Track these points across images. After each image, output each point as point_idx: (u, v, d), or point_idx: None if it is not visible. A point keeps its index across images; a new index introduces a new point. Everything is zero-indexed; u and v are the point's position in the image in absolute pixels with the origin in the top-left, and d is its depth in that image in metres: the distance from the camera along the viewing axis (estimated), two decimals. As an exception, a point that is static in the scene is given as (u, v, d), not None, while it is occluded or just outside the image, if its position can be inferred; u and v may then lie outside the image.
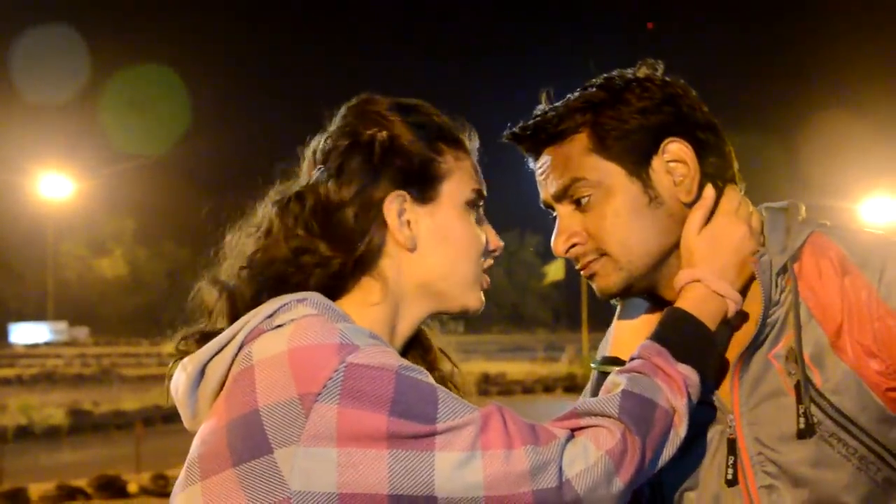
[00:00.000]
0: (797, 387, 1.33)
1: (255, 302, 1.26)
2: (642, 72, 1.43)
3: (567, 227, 1.41)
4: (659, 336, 1.31)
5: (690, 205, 1.40)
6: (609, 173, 1.38)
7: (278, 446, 1.12)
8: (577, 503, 1.14)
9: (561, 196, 1.42)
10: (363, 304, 1.30)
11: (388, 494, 1.11)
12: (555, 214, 1.45)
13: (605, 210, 1.38)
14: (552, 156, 1.42)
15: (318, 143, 1.36)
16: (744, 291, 1.38)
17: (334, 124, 1.36)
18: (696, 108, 1.42)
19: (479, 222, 1.38)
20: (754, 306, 1.38)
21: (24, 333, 50.61)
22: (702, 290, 1.34)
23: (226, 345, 1.22)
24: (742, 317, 1.39)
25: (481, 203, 1.39)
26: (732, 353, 1.39)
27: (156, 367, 30.26)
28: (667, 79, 1.42)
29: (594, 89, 1.41)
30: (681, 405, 1.24)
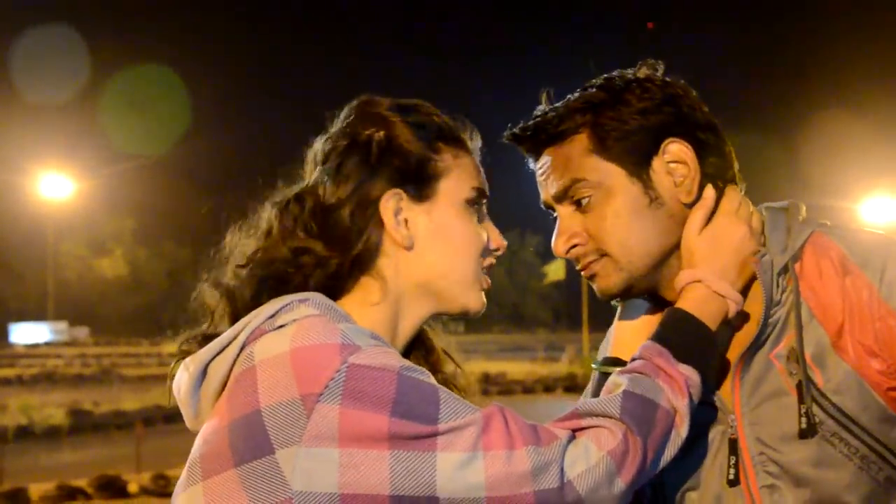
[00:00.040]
0: (799, 387, 1.33)
1: (256, 303, 1.26)
2: (642, 72, 1.43)
3: (567, 228, 1.41)
4: (660, 337, 1.31)
5: (691, 205, 1.40)
6: (609, 174, 1.38)
7: (280, 447, 1.12)
8: None
9: (561, 197, 1.42)
10: (363, 303, 1.30)
11: (389, 495, 1.11)
12: (555, 215, 1.45)
13: (606, 211, 1.38)
14: (552, 156, 1.42)
15: (320, 144, 1.36)
16: (744, 291, 1.38)
17: (336, 125, 1.37)
18: (697, 109, 1.42)
19: (480, 221, 1.38)
20: (755, 306, 1.38)
21: (25, 333, 50.62)
22: (703, 291, 1.35)
23: (228, 345, 1.23)
24: (743, 317, 1.39)
25: (483, 201, 1.39)
26: (733, 354, 1.39)
27: (156, 367, 30.25)
28: (667, 79, 1.42)
29: (594, 90, 1.41)
30: (682, 406, 1.25)
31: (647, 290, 1.44)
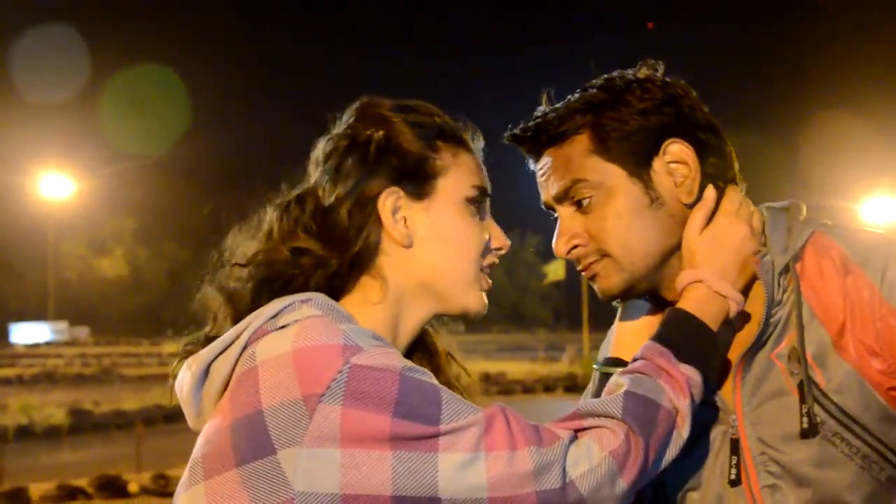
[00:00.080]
0: (800, 386, 1.33)
1: (257, 304, 1.26)
2: (643, 73, 1.43)
3: (568, 229, 1.41)
4: (661, 337, 1.31)
5: (691, 206, 1.40)
6: (610, 174, 1.38)
7: (282, 447, 1.12)
8: None
9: (562, 197, 1.42)
10: (364, 303, 1.30)
11: (391, 496, 1.11)
12: (556, 216, 1.45)
13: (607, 211, 1.38)
14: (553, 157, 1.42)
15: (322, 145, 1.37)
16: (745, 291, 1.39)
17: (338, 127, 1.37)
18: (697, 109, 1.42)
19: (482, 220, 1.38)
20: (756, 306, 1.38)
21: (25, 333, 50.58)
22: (704, 291, 1.35)
23: (230, 344, 1.23)
24: (744, 317, 1.39)
25: (484, 200, 1.39)
26: (735, 354, 1.39)
27: (156, 366, 30.24)
28: (667, 80, 1.42)
29: (595, 90, 1.41)
30: (684, 406, 1.25)
31: (648, 291, 1.44)
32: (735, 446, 1.37)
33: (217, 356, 1.23)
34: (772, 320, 1.36)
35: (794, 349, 1.35)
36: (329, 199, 1.30)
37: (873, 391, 1.31)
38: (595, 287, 1.44)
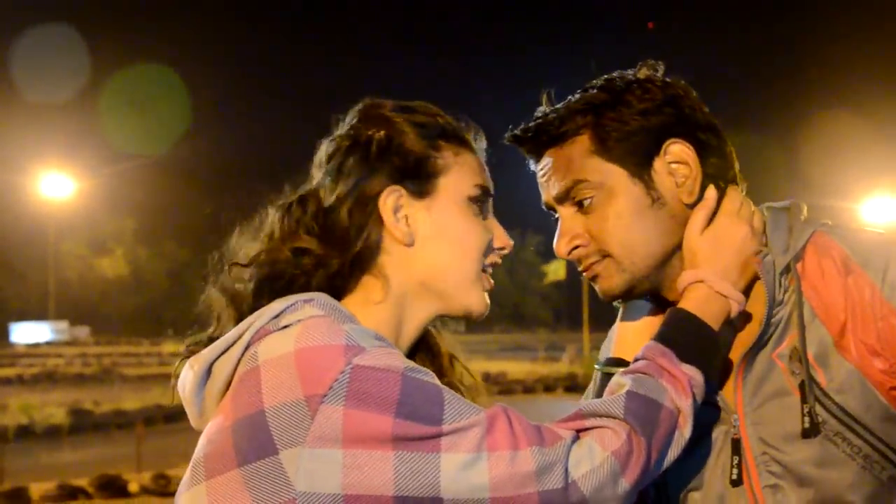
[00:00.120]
0: (801, 386, 1.33)
1: (258, 305, 1.26)
2: (643, 73, 1.43)
3: (569, 229, 1.41)
4: (663, 337, 1.31)
5: (692, 206, 1.40)
6: (611, 175, 1.38)
7: (284, 447, 1.12)
8: None
9: (563, 198, 1.42)
10: (366, 303, 1.30)
11: (393, 496, 1.11)
12: (557, 216, 1.45)
13: (608, 212, 1.38)
14: (554, 158, 1.42)
15: (325, 146, 1.37)
16: (746, 291, 1.39)
17: (341, 128, 1.37)
18: (697, 109, 1.42)
19: (485, 219, 1.38)
20: (757, 306, 1.38)
21: (26, 333, 50.61)
22: (705, 291, 1.35)
23: (232, 344, 1.23)
24: (745, 317, 1.39)
25: (487, 199, 1.39)
26: (736, 354, 1.39)
27: (157, 366, 30.28)
28: (667, 80, 1.42)
29: (595, 91, 1.41)
30: (685, 406, 1.25)
31: (650, 291, 1.44)
32: (736, 446, 1.37)
33: (219, 356, 1.23)
34: (773, 320, 1.36)
35: (795, 349, 1.35)
36: (330, 199, 1.30)
37: (875, 391, 1.32)
38: (596, 287, 1.44)
